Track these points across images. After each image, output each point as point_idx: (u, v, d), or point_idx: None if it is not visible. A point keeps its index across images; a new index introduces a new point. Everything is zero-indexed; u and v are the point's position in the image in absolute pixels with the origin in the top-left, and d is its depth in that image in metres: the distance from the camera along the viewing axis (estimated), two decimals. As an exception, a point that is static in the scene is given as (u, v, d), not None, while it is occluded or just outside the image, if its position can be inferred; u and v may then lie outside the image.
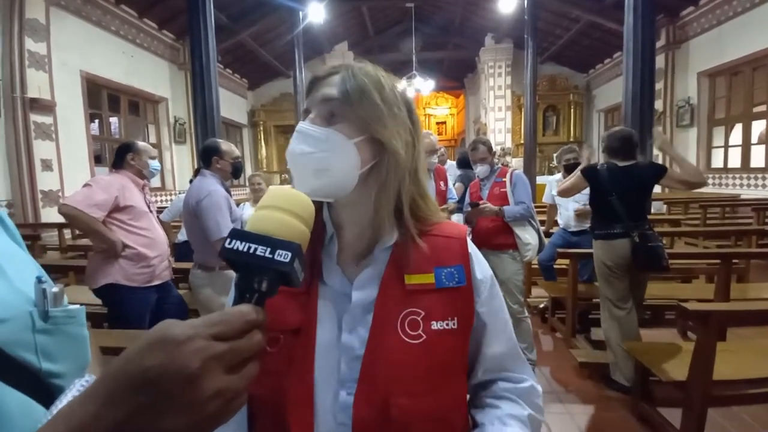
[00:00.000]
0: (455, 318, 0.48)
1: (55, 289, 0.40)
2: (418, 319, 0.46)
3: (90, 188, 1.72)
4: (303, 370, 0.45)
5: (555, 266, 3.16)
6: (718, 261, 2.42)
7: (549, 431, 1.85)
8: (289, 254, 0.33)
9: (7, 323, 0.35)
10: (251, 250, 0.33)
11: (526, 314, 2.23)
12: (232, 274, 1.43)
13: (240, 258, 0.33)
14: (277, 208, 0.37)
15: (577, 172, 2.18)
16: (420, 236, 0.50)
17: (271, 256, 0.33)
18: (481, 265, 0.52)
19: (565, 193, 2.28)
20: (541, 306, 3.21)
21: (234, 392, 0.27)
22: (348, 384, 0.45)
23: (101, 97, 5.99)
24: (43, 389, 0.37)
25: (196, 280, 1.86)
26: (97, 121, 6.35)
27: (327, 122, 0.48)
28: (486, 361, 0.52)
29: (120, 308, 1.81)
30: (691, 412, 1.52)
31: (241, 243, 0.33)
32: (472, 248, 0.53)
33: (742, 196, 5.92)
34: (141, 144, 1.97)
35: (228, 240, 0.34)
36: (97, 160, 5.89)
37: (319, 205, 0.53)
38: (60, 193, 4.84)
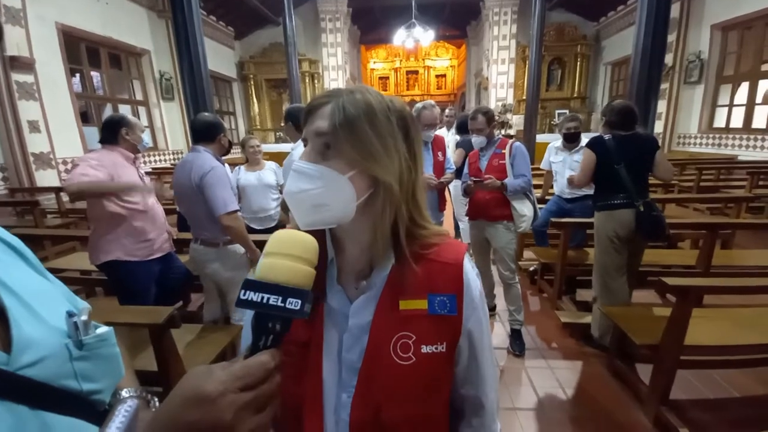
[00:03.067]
0: (444, 343, 0.52)
1: (84, 318, 0.43)
2: (410, 342, 0.51)
3: (82, 167, 1.70)
4: (314, 376, 0.52)
5: (547, 231, 3.25)
6: (704, 231, 2.50)
7: (531, 384, 2.05)
8: (300, 301, 0.37)
9: (47, 360, 0.39)
10: (264, 300, 0.37)
11: (517, 280, 2.35)
12: (238, 248, 1.51)
13: (254, 308, 0.37)
14: (284, 255, 0.40)
15: (585, 156, 2.19)
16: (417, 260, 0.52)
17: (283, 304, 0.37)
18: (472, 294, 0.54)
19: (583, 181, 2.21)
20: (531, 269, 3.36)
21: (263, 427, 0.34)
22: (348, 388, 0.52)
23: (80, 51, 5.62)
24: (87, 407, 0.43)
25: (199, 255, 1.90)
26: (78, 76, 6.02)
27: (321, 156, 0.49)
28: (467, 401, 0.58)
29: (124, 283, 1.86)
30: (661, 372, 1.69)
31: (254, 294, 0.37)
32: (466, 274, 0.54)
33: (740, 158, 5.92)
34: (132, 118, 1.92)
35: (242, 291, 0.37)
36: (84, 118, 5.69)
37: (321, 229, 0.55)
38: (51, 155, 4.74)
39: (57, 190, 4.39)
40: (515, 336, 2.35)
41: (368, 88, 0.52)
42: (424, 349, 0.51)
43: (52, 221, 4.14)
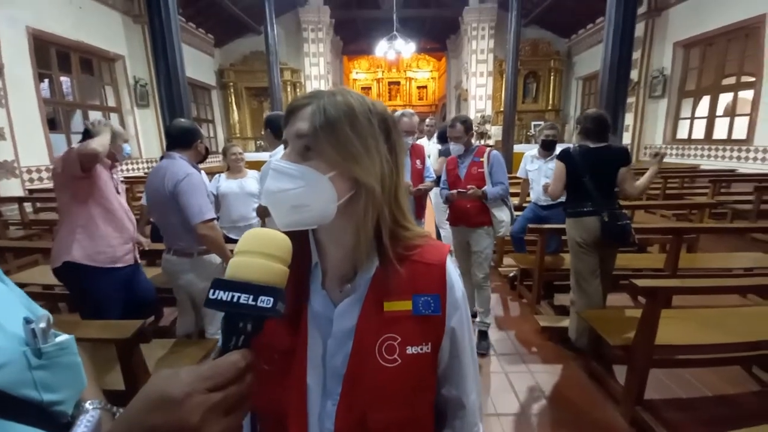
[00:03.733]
0: (429, 343, 0.51)
1: (42, 325, 0.41)
2: (395, 344, 0.50)
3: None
4: (298, 384, 0.50)
5: (525, 238, 3.33)
6: (670, 236, 2.62)
7: (512, 387, 2.07)
8: (272, 299, 0.36)
9: (5, 367, 0.37)
10: (235, 299, 0.35)
11: (489, 284, 2.43)
12: (214, 258, 1.46)
13: (224, 308, 0.35)
14: (256, 253, 0.38)
15: (556, 167, 2.25)
16: (401, 261, 0.52)
17: (254, 303, 0.35)
18: (455, 294, 0.54)
19: (555, 191, 2.26)
20: (511, 275, 3.42)
21: (233, 430, 0.32)
22: (333, 396, 0.50)
23: (50, 55, 5.40)
24: (48, 418, 0.40)
25: (172, 266, 1.83)
26: (47, 81, 5.77)
27: (302, 157, 0.48)
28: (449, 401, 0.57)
29: (85, 292, 1.74)
30: (635, 372, 1.74)
31: (224, 293, 0.35)
32: (449, 275, 0.54)
33: (702, 167, 6.28)
34: (115, 127, 1.83)
35: (211, 290, 0.35)
36: (51, 125, 5.45)
37: (304, 231, 0.55)
38: (15, 164, 4.50)
39: (20, 200, 4.16)
40: (481, 337, 2.41)
41: (349, 91, 0.52)
42: (410, 350, 0.50)
43: (15, 233, 3.91)
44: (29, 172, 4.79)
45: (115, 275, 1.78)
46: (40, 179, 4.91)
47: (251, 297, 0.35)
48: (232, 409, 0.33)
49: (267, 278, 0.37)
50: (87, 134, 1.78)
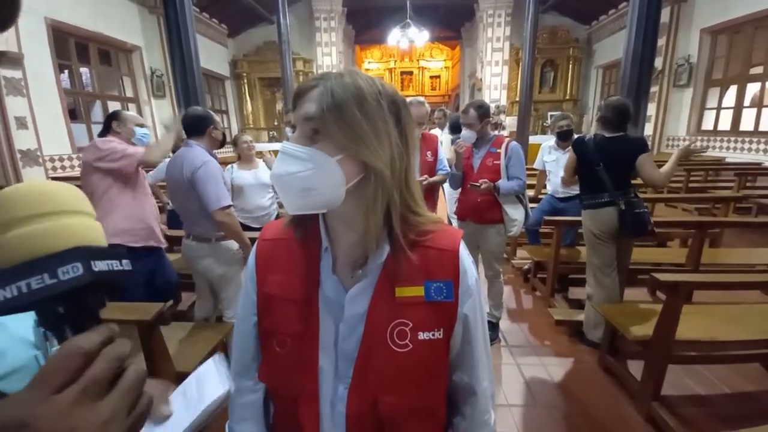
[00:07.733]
0: (441, 329, 0.51)
1: None
2: (406, 329, 0.50)
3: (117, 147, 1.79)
4: (310, 368, 0.51)
5: (540, 231, 3.27)
6: (693, 230, 2.53)
7: (523, 378, 2.06)
8: (78, 265, 0.27)
9: (18, 373, 0.35)
10: (26, 289, 0.25)
11: (501, 279, 2.37)
12: (231, 244, 1.47)
13: (20, 305, 0.26)
14: (22, 220, 0.27)
15: (569, 155, 2.25)
16: (413, 247, 0.51)
17: (55, 280, 0.26)
18: (468, 281, 0.53)
19: (567, 179, 2.29)
20: (525, 267, 3.38)
21: (119, 410, 0.25)
22: (345, 380, 0.51)
23: (69, 46, 5.51)
24: None
25: (191, 251, 1.87)
26: (66, 72, 5.90)
27: (310, 140, 0.47)
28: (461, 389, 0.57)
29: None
30: (652, 367, 1.70)
31: (4, 289, 0.25)
32: (462, 261, 0.53)
33: (728, 160, 6.04)
34: (126, 112, 1.91)
35: None
36: (72, 115, 5.58)
37: (315, 216, 0.55)
38: (38, 152, 4.64)
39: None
40: (490, 327, 2.38)
41: (358, 72, 0.50)
42: (421, 336, 0.50)
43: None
44: (51, 160, 4.94)
45: (144, 258, 1.88)
46: (63, 168, 5.06)
47: (47, 275, 0.26)
48: (104, 391, 0.25)
49: (56, 242, 0.27)
50: (107, 128, 1.83)
